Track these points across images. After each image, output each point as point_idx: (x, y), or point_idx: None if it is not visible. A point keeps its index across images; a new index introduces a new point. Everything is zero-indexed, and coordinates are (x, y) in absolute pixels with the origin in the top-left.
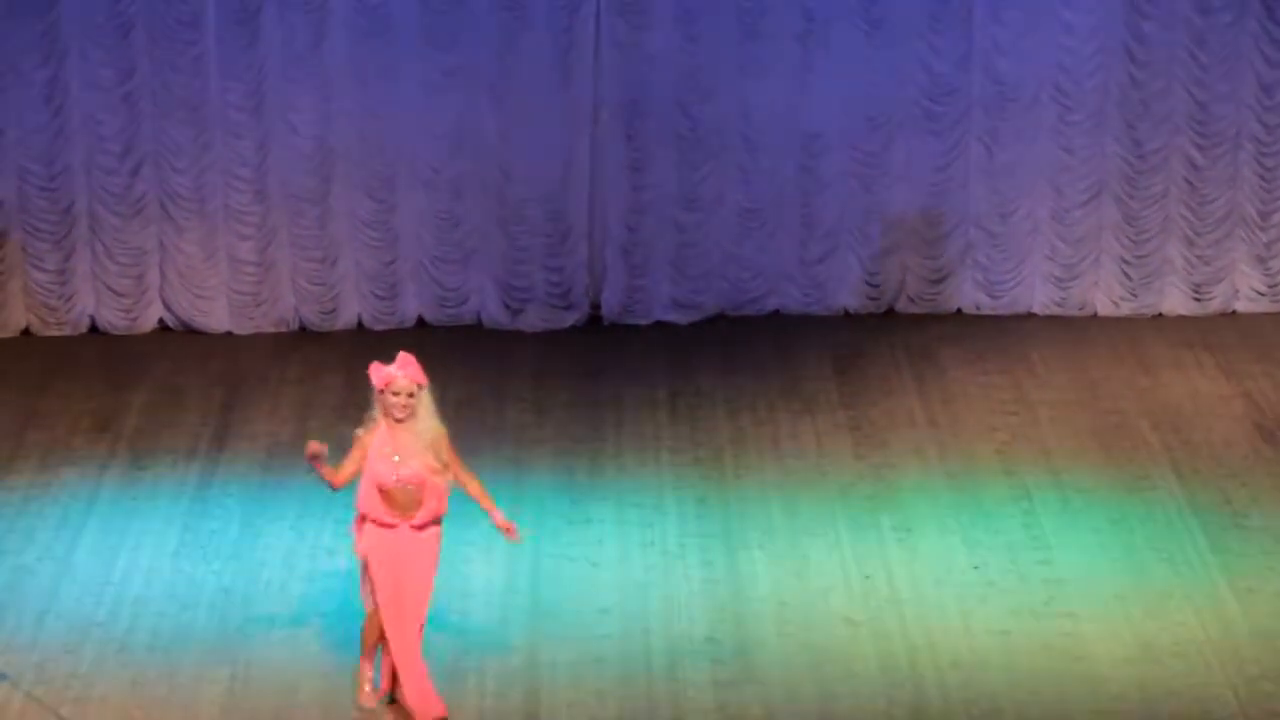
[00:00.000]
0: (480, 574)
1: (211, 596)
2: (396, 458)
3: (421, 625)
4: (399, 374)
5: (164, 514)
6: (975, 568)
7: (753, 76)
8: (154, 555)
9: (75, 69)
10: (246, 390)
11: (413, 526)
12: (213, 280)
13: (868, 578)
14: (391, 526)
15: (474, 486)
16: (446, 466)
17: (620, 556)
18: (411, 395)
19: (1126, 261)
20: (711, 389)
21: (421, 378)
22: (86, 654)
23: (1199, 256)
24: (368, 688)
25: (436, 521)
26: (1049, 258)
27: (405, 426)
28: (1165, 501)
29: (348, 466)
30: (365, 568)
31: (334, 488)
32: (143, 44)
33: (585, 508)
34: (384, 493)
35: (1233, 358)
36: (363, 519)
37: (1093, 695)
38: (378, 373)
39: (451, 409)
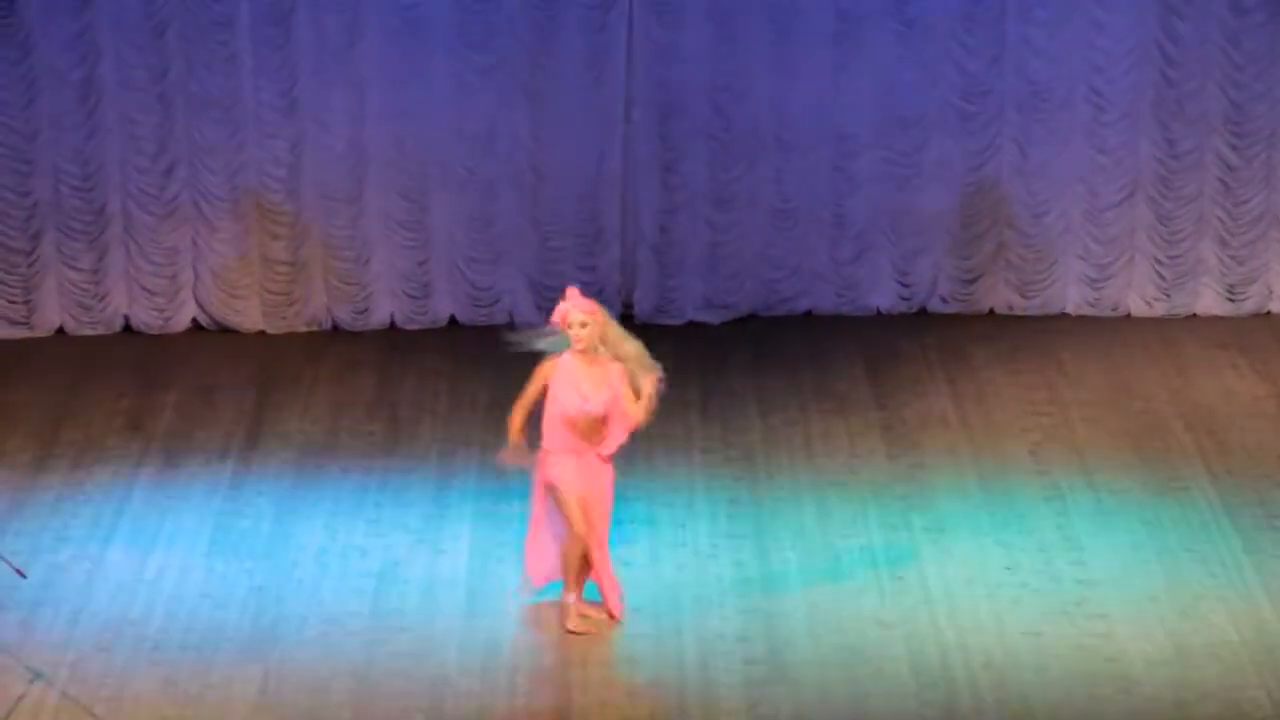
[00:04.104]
0: (512, 574)
1: (244, 595)
2: (583, 387)
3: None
4: (570, 307)
5: (197, 513)
6: (1008, 569)
7: (785, 76)
8: (187, 554)
9: (110, 69)
10: (279, 389)
11: (599, 455)
12: (246, 280)
13: (900, 578)
14: (578, 453)
15: (644, 397)
16: (640, 397)
17: (652, 556)
18: (584, 325)
19: (1160, 262)
20: (743, 389)
21: (592, 307)
22: (120, 653)
23: (1233, 257)
24: (580, 613)
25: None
26: (1082, 258)
27: (590, 358)
28: (1198, 502)
29: (524, 402)
30: (556, 498)
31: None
32: (177, 44)
33: (616, 507)
34: (568, 422)
35: (1267, 358)
36: (546, 454)
37: (1125, 696)
38: (557, 312)
39: (483, 410)
